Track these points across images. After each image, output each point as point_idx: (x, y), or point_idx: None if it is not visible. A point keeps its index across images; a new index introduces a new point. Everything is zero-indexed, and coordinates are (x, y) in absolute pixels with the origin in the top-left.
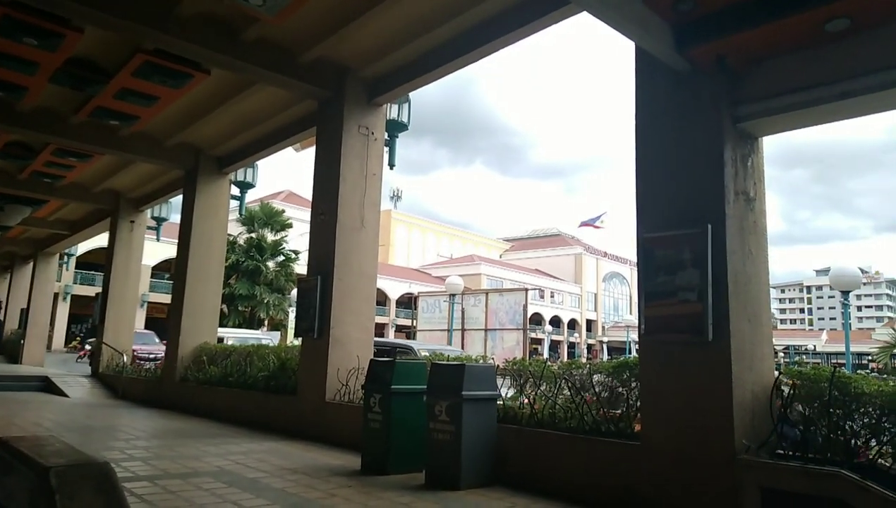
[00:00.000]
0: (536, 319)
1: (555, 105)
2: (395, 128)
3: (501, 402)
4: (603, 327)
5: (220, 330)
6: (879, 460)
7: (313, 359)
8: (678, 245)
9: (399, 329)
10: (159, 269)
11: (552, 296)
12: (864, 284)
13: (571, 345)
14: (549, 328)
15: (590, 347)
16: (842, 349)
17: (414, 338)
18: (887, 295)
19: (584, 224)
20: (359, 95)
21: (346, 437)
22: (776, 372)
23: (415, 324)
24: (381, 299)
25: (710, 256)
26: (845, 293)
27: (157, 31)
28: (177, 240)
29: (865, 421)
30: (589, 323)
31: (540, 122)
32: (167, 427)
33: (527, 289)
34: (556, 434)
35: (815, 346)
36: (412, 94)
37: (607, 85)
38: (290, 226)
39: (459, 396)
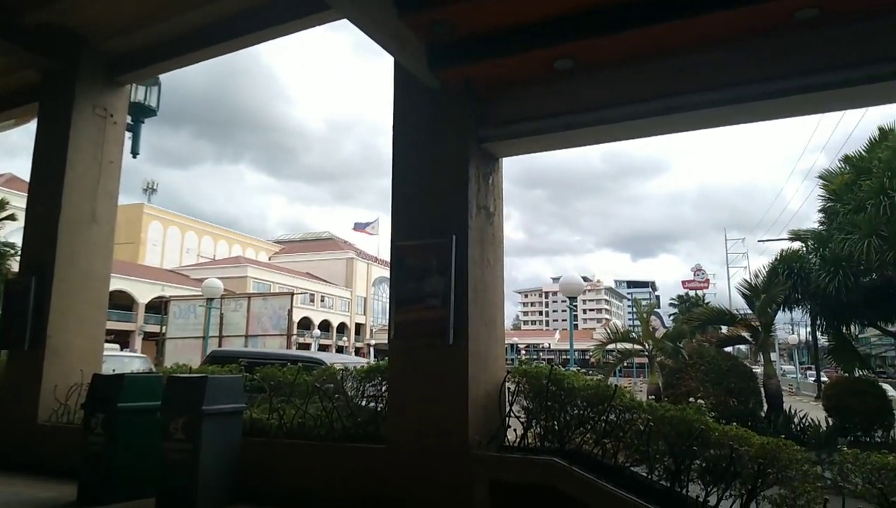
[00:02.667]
0: (305, 323)
1: (336, 108)
2: (142, 112)
3: (248, 414)
4: (371, 330)
5: None
6: (584, 446)
7: (23, 374)
8: (427, 253)
9: (148, 336)
10: None
11: (322, 300)
12: (588, 290)
13: (340, 349)
14: (317, 332)
15: (357, 350)
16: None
17: (164, 348)
18: (605, 299)
19: (357, 227)
20: (96, 71)
21: (64, 464)
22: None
23: (164, 331)
24: (128, 303)
25: (453, 265)
26: (571, 298)
27: None
28: None
29: (576, 412)
30: (358, 326)
31: (317, 124)
32: None
33: (293, 293)
34: (307, 444)
35: (549, 344)
36: (168, 77)
37: (386, 93)
38: (12, 218)
39: (199, 411)
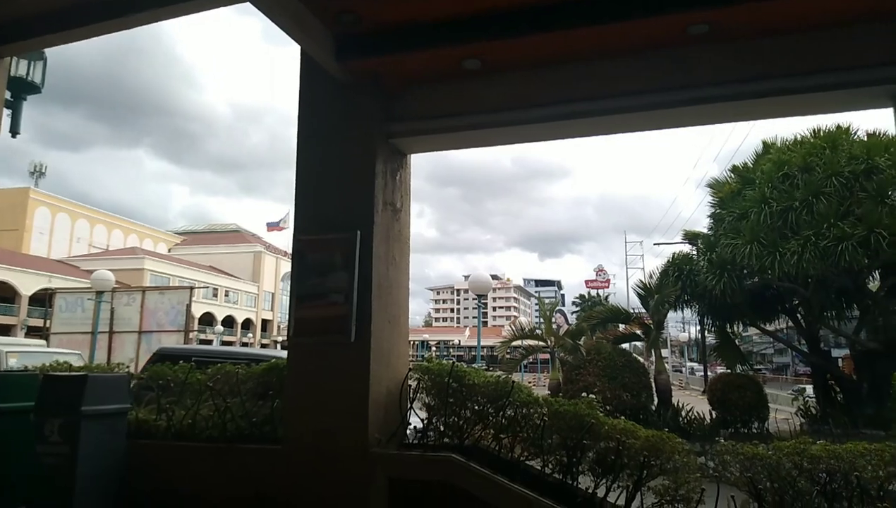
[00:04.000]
0: (207, 319)
1: (244, 96)
2: (24, 88)
3: (133, 415)
4: (279, 327)
5: None
6: (482, 442)
7: None
8: (330, 248)
9: (31, 330)
10: None
11: (227, 295)
12: (498, 288)
13: (245, 346)
14: (219, 328)
15: (263, 348)
16: (481, 342)
17: (48, 343)
18: (514, 297)
19: (271, 226)
20: None
21: None
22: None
23: (48, 325)
24: (10, 295)
25: (357, 261)
26: (480, 296)
27: None
28: None
29: (476, 408)
30: (265, 323)
31: (224, 111)
32: None
33: (192, 287)
34: (197, 446)
35: (460, 341)
36: (58, 53)
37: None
38: None
39: (77, 412)
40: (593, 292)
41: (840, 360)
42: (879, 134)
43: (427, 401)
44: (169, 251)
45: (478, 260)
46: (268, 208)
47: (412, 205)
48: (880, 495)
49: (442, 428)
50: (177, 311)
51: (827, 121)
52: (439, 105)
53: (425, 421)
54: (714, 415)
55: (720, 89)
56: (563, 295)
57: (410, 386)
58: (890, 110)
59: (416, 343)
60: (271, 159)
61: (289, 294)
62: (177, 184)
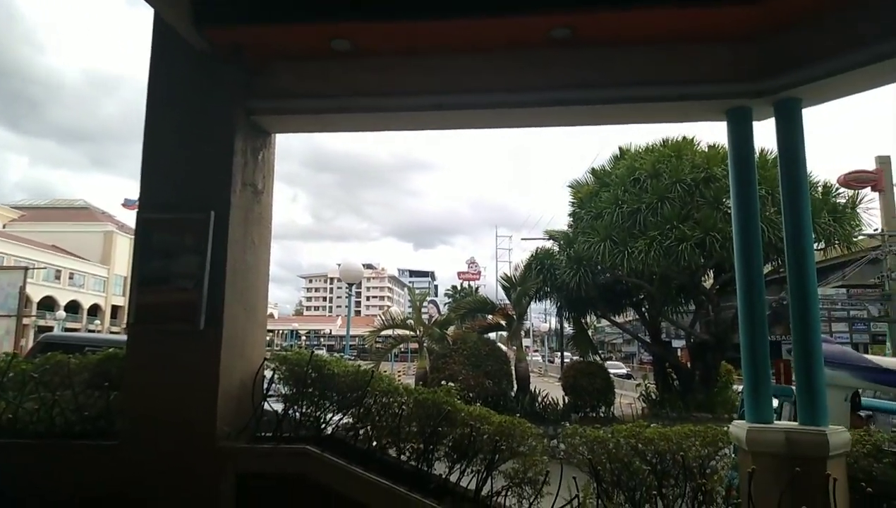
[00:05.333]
0: (48, 303)
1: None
2: None
3: None
4: None
5: None
6: (340, 433)
7: None
8: (180, 229)
9: None
10: None
11: (71, 278)
12: (372, 278)
13: (91, 333)
14: (61, 314)
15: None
16: (352, 332)
17: None
18: (389, 287)
19: (129, 205)
20: None
21: None
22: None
23: None
24: None
25: (210, 243)
26: (351, 284)
27: None
28: None
29: (336, 398)
30: (115, 309)
31: (74, 77)
32: None
33: (28, 268)
34: (20, 443)
35: (331, 330)
36: None
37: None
38: None
39: None
40: (465, 283)
41: (679, 350)
42: (717, 146)
43: (284, 392)
44: (3, 227)
45: (353, 249)
46: (122, 185)
47: (284, 189)
48: (703, 472)
49: (299, 419)
50: (6, 294)
51: (676, 131)
52: (307, 84)
53: (281, 413)
54: (566, 400)
55: (578, 93)
56: (436, 286)
57: (267, 376)
58: (724, 124)
59: (285, 332)
60: (126, 132)
61: (130, 277)
62: (13, 152)
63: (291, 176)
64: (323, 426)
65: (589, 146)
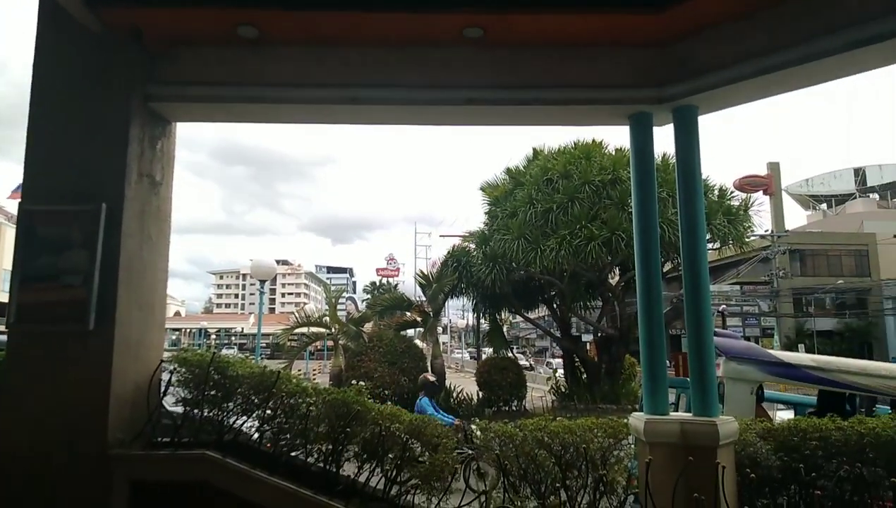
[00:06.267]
0: None
1: None
2: None
3: None
4: None
5: None
6: (244, 436)
7: None
8: (68, 222)
9: None
10: None
11: None
12: (288, 274)
13: None
14: None
15: None
16: (265, 330)
17: None
18: (305, 284)
19: (14, 193)
20: None
21: None
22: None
23: None
24: None
25: (101, 238)
26: (263, 281)
27: None
28: None
29: (240, 400)
30: (1, 306)
31: None
32: None
33: None
34: None
35: (243, 329)
36: None
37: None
38: None
39: None
40: (384, 280)
41: (588, 344)
42: (624, 150)
43: (184, 395)
44: None
45: (268, 244)
46: (12, 172)
47: (193, 181)
48: (605, 463)
49: (199, 423)
50: None
51: (587, 134)
52: (212, 72)
53: (175, 419)
54: (480, 395)
55: (489, 93)
56: (354, 283)
57: (164, 378)
58: (627, 128)
59: (193, 331)
60: (20, 115)
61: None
62: None
63: (201, 167)
64: (226, 429)
65: (515, 145)
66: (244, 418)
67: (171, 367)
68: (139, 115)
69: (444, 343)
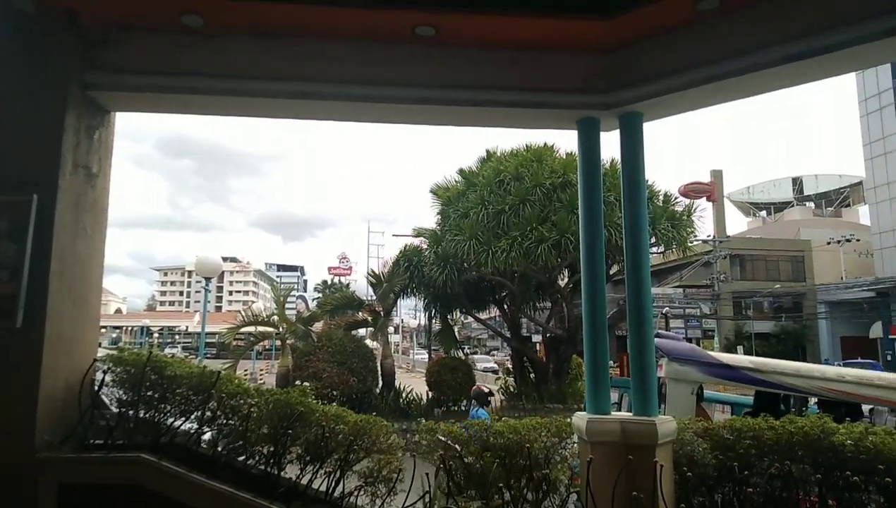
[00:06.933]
0: None
1: None
2: None
3: None
4: None
5: None
6: (181, 438)
7: None
8: None
9: None
10: None
11: None
12: (236, 272)
13: None
14: None
15: None
16: (211, 329)
17: None
18: (254, 282)
19: None
20: None
21: None
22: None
23: None
24: None
25: (32, 230)
26: (208, 278)
27: None
28: None
29: (179, 401)
30: None
31: None
32: None
33: None
34: None
35: (188, 327)
36: None
37: None
38: None
39: None
40: (335, 279)
41: (538, 345)
42: (574, 154)
43: (120, 395)
44: None
45: (216, 241)
46: None
47: (136, 173)
48: (548, 462)
49: (134, 425)
50: None
51: (539, 137)
52: (154, 61)
53: (108, 420)
54: (430, 396)
55: (441, 92)
56: (305, 281)
57: (98, 378)
58: (575, 133)
59: (135, 329)
60: None
61: None
62: None
63: (145, 159)
64: (164, 431)
65: (470, 144)
66: (182, 419)
67: (106, 367)
68: (76, 104)
69: (395, 343)
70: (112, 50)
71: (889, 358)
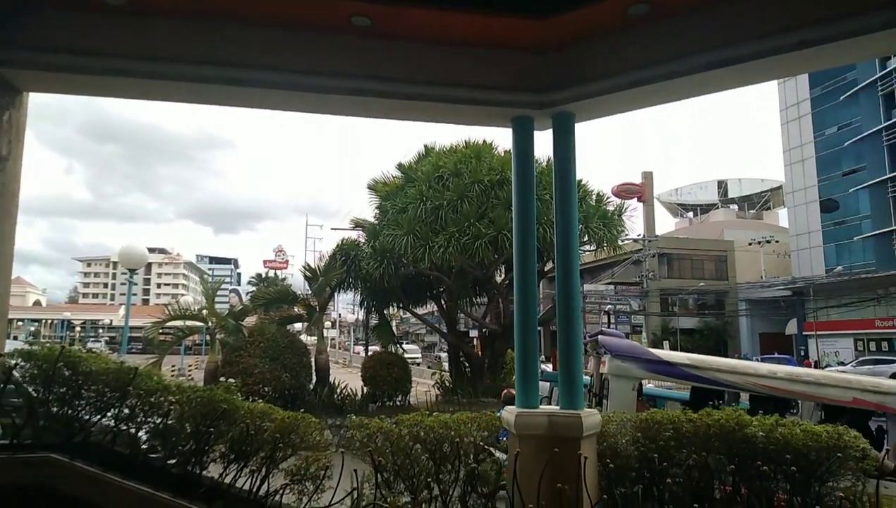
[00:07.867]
0: None
1: None
2: None
3: None
4: None
5: None
6: (96, 437)
7: None
8: None
9: None
10: None
11: None
12: (165, 264)
13: None
14: None
15: None
16: (138, 323)
17: None
18: (184, 274)
19: None
20: None
21: None
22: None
23: None
24: None
25: None
26: (132, 270)
27: None
28: None
29: (94, 398)
30: None
31: None
32: None
33: None
34: None
35: (112, 321)
36: None
37: None
38: None
39: None
40: (271, 272)
41: (474, 340)
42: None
43: (30, 392)
44: None
45: (143, 231)
46: None
47: (55, 158)
48: (477, 456)
49: (44, 423)
50: None
51: (478, 134)
52: (72, 39)
53: (14, 419)
54: (365, 391)
55: (375, 84)
56: (239, 274)
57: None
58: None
59: (55, 322)
60: None
61: None
62: None
63: (65, 143)
64: (77, 430)
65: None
66: (98, 417)
67: (14, 362)
68: None
69: (332, 338)
70: (25, 26)
71: (802, 353)
